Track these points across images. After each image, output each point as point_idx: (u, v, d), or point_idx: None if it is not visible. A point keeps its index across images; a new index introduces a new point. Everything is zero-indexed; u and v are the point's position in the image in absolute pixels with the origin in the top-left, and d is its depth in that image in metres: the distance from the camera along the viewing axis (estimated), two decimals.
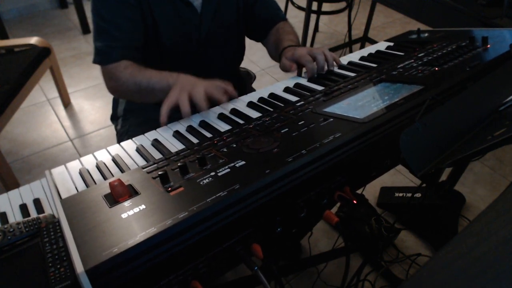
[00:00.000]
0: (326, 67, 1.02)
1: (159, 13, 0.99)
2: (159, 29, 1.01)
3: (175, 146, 0.77)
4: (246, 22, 1.17)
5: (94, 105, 2.31)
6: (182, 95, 0.84)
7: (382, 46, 1.16)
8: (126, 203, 0.55)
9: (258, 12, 1.15)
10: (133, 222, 0.51)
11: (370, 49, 1.16)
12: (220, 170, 0.61)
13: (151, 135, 0.82)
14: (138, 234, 0.49)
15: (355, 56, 1.11)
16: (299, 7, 2.71)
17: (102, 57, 0.97)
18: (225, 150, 0.67)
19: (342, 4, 2.66)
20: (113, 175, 0.67)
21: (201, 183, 0.58)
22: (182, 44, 1.06)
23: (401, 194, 1.62)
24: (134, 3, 0.96)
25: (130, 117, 1.14)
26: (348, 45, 2.68)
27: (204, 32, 1.06)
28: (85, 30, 3.04)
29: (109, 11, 0.95)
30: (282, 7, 1.45)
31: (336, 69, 1.04)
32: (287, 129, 0.71)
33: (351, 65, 1.05)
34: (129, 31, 0.97)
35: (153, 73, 0.94)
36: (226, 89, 0.91)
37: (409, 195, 1.60)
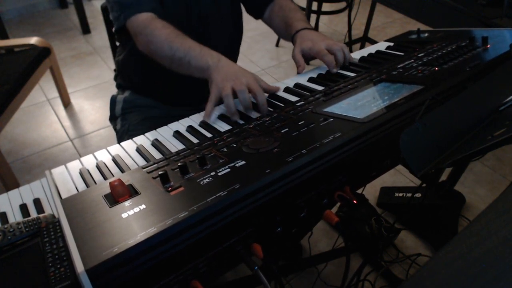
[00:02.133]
0: (343, 63, 1.03)
1: None
2: (164, 4, 0.99)
3: (175, 146, 0.77)
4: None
5: (94, 105, 2.31)
6: (227, 96, 0.80)
7: (382, 46, 1.16)
8: (126, 203, 0.55)
9: None
10: (133, 222, 0.51)
11: (370, 49, 1.16)
12: (220, 170, 0.61)
13: (151, 135, 0.82)
14: (138, 233, 0.49)
15: (355, 56, 1.11)
16: (299, 7, 2.71)
17: (130, 10, 0.91)
18: (225, 150, 0.67)
19: (342, 4, 2.66)
20: (113, 175, 0.67)
21: (201, 183, 0.58)
22: (184, 20, 1.04)
23: (401, 194, 1.62)
24: None
25: (129, 116, 1.14)
26: (348, 45, 2.68)
27: (203, 9, 1.04)
28: (85, 30, 3.04)
29: None
30: None
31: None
32: (287, 129, 0.71)
33: (351, 65, 1.05)
34: None
35: (192, 44, 0.88)
36: (266, 86, 0.86)
37: (409, 195, 1.60)
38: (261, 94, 0.83)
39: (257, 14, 1.22)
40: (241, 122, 0.82)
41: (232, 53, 1.25)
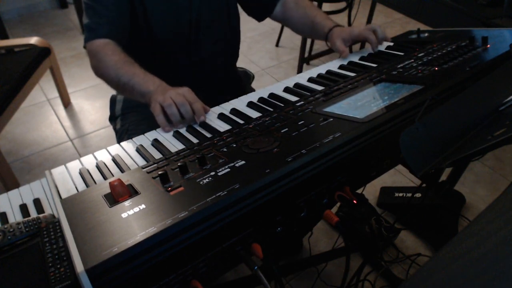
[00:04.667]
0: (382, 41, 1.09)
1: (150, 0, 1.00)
2: (149, 16, 1.02)
3: (175, 146, 0.77)
4: (246, 1, 1.19)
5: (94, 105, 2.31)
6: (170, 105, 0.81)
7: (382, 46, 1.16)
8: (126, 203, 0.55)
9: None
10: (133, 222, 0.51)
11: (370, 49, 1.15)
12: (220, 170, 0.61)
13: (151, 135, 0.82)
14: (138, 233, 0.49)
15: (355, 56, 1.11)
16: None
17: (88, 34, 0.97)
18: (225, 150, 0.67)
19: (342, 4, 2.66)
20: (113, 175, 0.67)
21: (201, 183, 0.58)
22: (173, 31, 1.06)
23: (401, 194, 1.62)
24: None
25: (129, 116, 1.14)
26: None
27: (194, 15, 1.06)
28: None
29: None
30: None
31: (336, 69, 1.04)
32: (287, 129, 0.71)
33: (351, 65, 1.05)
34: (115, 9, 0.97)
35: (137, 71, 0.92)
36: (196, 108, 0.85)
37: (409, 195, 1.60)
38: (196, 102, 0.84)
39: (262, 15, 1.23)
40: (241, 122, 0.82)
41: (229, 57, 1.25)
